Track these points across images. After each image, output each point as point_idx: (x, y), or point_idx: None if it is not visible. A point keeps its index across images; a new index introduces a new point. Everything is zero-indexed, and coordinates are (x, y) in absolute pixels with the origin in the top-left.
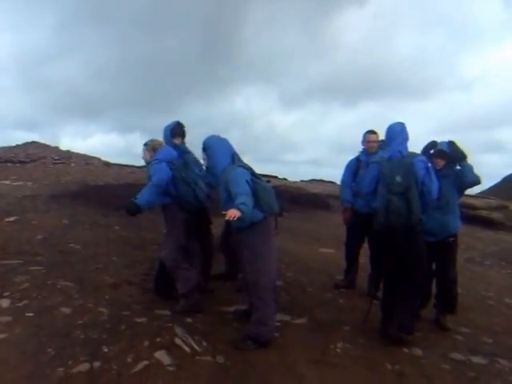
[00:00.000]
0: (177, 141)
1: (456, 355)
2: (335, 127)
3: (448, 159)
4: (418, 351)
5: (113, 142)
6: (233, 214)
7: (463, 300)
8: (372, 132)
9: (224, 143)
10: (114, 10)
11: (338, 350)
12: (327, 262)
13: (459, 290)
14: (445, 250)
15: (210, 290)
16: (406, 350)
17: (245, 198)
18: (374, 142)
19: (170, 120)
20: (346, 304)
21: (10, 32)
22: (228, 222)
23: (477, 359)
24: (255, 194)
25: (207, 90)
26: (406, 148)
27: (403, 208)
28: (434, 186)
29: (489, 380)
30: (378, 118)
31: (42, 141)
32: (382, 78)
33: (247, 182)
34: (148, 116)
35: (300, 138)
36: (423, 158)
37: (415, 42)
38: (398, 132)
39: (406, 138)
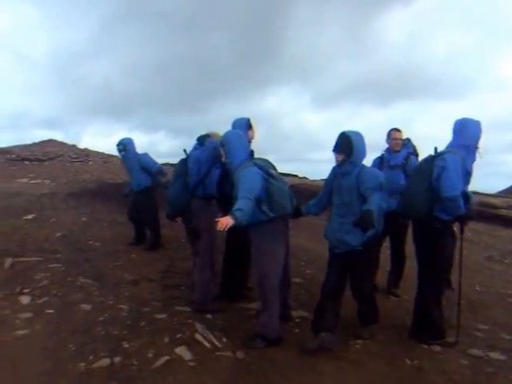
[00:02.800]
0: (250, 133)
1: (474, 351)
2: (364, 126)
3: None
4: (437, 347)
5: (136, 141)
6: (224, 223)
7: (482, 297)
8: (397, 129)
9: (242, 139)
10: (156, 8)
11: (358, 346)
12: None
13: (477, 288)
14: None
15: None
16: (424, 346)
17: (243, 202)
18: (399, 139)
19: (196, 119)
20: None
21: (47, 31)
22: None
23: (495, 355)
24: (268, 193)
25: (241, 90)
26: (458, 144)
27: (423, 207)
28: (446, 186)
29: (507, 375)
30: (408, 117)
31: (62, 139)
32: (417, 78)
33: (259, 180)
34: (175, 115)
35: (327, 137)
36: (448, 155)
37: (453, 41)
38: (456, 128)
39: (461, 134)
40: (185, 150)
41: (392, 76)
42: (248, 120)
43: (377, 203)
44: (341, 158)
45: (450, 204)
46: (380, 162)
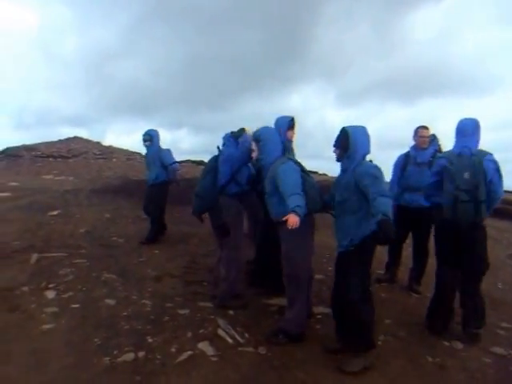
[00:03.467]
0: (290, 133)
1: (497, 349)
2: (387, 124)
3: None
4: (459, 344)
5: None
6: (293, 221)
7: (505, 296)
8: (424, 127)
9: (277, 136)
10: (183, 5)
11: (380, 343)
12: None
13: (500, 286)
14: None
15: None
16: (446, 343)
17: (298, 198)
18: (426, 137)
19: (218, 117)
20: (387, 298)
21: (77, 30)
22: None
23: None
24: (303, 190)
25: (266, 88)
26: (476, 145)
27: (470, 205)
28: (501, 186)
29: None
30: (433, 115)
31: (87, 137)
32: (443, 76)
33: (299, 176)
34: (198, 113)
35: None
36: (492, 157)
37: (480, 39)
38: (470, 128)
39: (477, 135)
40: (218, 147)
41: (418, 73)
42: (292, 119)
43: (384, 204)
44: (337, 152)
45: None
46: (405, 158)
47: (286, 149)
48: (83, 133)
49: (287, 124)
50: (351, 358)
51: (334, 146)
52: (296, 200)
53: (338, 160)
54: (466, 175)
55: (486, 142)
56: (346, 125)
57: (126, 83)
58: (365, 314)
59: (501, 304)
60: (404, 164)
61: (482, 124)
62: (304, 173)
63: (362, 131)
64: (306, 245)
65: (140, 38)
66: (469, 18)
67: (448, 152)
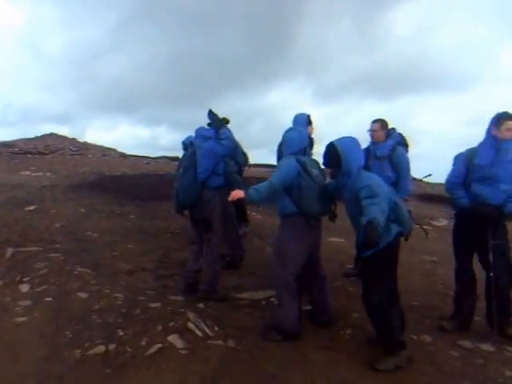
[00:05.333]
0: (310, 129)
1: (465, 342)
2: (364, 120)
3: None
4: (427, 338)
5: (137, 135)
6: (234, 195)
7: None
8: (375, 121)
9: (299, 139)
10: (168, 4)
11: (347, 337)
12: (337, 250)
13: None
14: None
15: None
16: (414, 337)
17: (263, 184)
18: (374, 130)
19: (197, 114)
20: (355, 292)
21: (64, 29)
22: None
23: (485, 346)
24: (299, 188)
25: (247, 84)
26: None
27: None
28: None
29: (497, 367)
30: (410, 111)
31: (67, 134)
32: (422, 72)
33: (292, 172)
34: (178, 110)
35: (325, 131)
36: None
37: (459, 34)
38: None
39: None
40: (191, 143)
41: (397, 70)
42: (308, 116)
43: (375, 210)
44: (330, 171)
45: None
46: (366, 153)
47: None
48: (65, 130)
49: (305, 120)
50: (384, 356)
51: (325, 165)
52: (260, 185)
53: (333, 177)
54: None
55: (461, 137)
56: (332, 139)
57: (111, 81)
58: (391, 316)
59: None
60: (367, 159)
61: (458, 119)
62: (306, 173)
63: (351, 144)
64: (294, 245)
65: (126, 36)
66: (448, 15)
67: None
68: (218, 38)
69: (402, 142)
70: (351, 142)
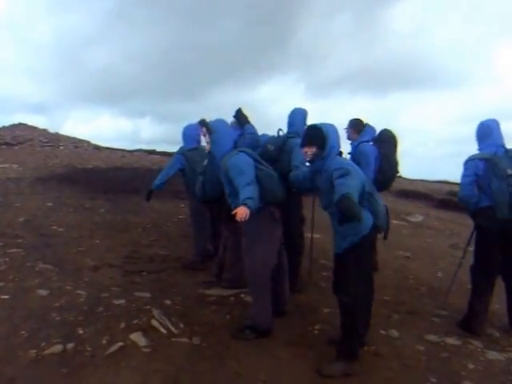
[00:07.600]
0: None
1: (431, 337)
2: (353, 115)
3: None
4: (395, 333)
5: (119, 127)
6: (242, 214)
7: (443, 284)
8: (350, 120)
9: (229, 128)
10: None
11: (316, 332)
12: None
13: (439, 275)
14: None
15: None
16: (382, 332)
17: (249, 189)
18: (348, 129)
19: (185, 106)
20: (327, 287)
21: (53, 15)
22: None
23: (451, 340)
24: (258, 180)
25: (241, 77)
26: (503, 143)
27: None
28: None
29: (461, 360)
30: (401, 108)
31: (44, 124)
32: (416, 69)
33: (251, 166)
34: (167, 101)
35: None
36: None
37: (454, 33)
38: (494, 128)
39: (501, 134)
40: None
41: (392, 66)
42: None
43: (348, 185)
44: (311, 151)
45: None
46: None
47: None
48: (41, 120)
49: (304, 115)
50: (333, 361)
51: (307, 144)
52: (247, 192)
53: (311, 161)
54: (510, 171)
55: (448, 135)
56: (316, 116)
57: (98, 71)
58: (358, 324)
59: (439, 293)
60: None
61: (446, 118)
62: (259, 163)
63: (333, 128)
64: (266, 238)
65: (117, 24)
66: (444, 14)
67: (480, 154)
68: (213, 29)
69: (378, 138)
70: (333, 127)
